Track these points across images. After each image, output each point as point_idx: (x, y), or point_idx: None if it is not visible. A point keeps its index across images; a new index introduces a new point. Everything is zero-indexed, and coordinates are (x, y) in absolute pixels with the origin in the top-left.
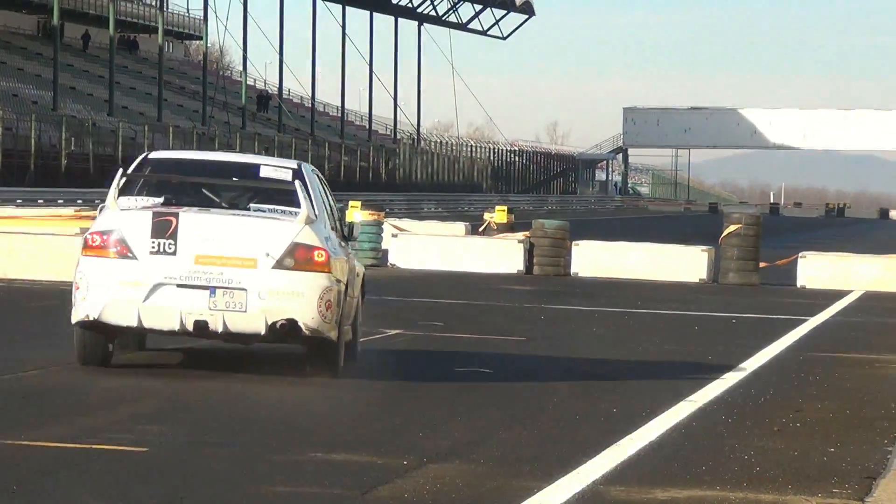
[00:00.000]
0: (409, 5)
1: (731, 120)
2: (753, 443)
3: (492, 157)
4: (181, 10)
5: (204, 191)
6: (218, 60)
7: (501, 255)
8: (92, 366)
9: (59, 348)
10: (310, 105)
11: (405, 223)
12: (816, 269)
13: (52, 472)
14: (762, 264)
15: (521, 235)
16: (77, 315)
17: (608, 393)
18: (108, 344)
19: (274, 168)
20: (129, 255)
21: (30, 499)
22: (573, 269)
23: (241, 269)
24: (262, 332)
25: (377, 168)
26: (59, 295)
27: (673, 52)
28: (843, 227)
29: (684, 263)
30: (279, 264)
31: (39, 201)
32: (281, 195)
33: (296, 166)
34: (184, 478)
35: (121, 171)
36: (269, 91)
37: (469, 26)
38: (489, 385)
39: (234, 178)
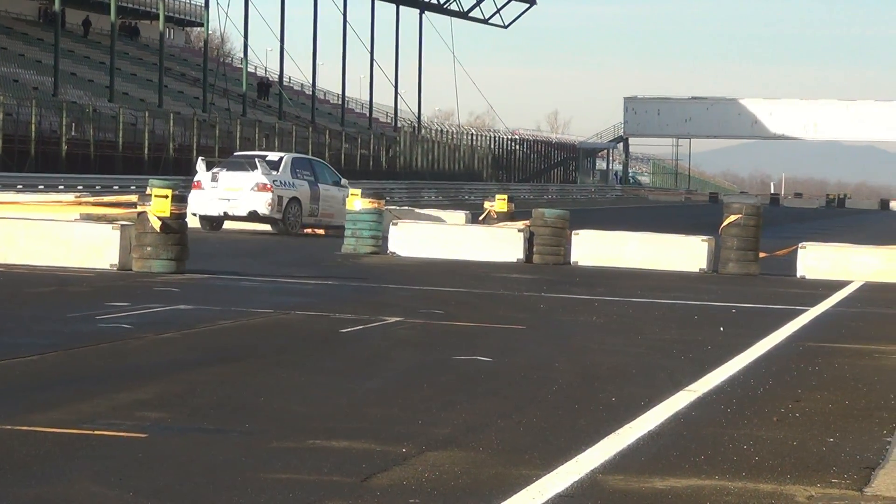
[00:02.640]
0: None
1: (732, 110)
2: (752, 432)
3: (492, 146)
4: None
5: (235, 162)
6: (219, 47)
7: (501, 243)
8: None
9: (56, 335)
10: (310, 93)
11: (405, 211)
12: (816, 260)
13: (50, 458)
14: (762, 254)
15: (521, 224)
16: (190, 211)
17: (607, 382)
18: (209, 225)
19: (274, 154)
20: (202, 187)
21: (28, 484)
22: (573, 258)
23: (239, 192)
24: (245, 215)
25: (377, 156)
26: (57, 281)
27: (674, 41)
28: (843, 218)
29: (684, 253)
30: (251, 189)
31: (40, 187)
32: (270, 165)
33: (283, 155)
34: (183, 464)
35: (202, 158)
36: (270, 78)
37: (470, 15)
38: (488, 373)
39: (248, 158)
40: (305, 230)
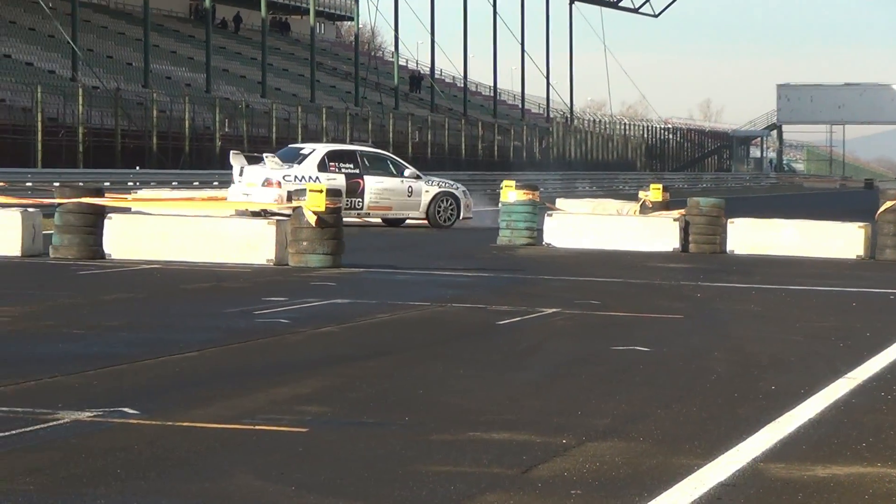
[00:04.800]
0: None
1: (886, 95)
2: None
3: (645, 135)
4: None
5: (257, 157)
6: (370, 41)
7: (657, 233)
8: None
9: (214, 331)
10: (462, 85)
11: (560, 202)
12: None
13: (211, 453)
14: None
15: (676, 213)
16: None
17: (766, 370)
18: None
19: (310, 146)
20: (234, 182)
21: (190, 480)
22: (729, 247)
23: (254, 188)
24: (258, 211)
25: (530, 147)
26: (214, 277)
27: (826, 27)
28: None
29: (840, 240)
30: (262, 185)
31: (195, 183)
32: (299, 159)
33: (315, 147)
34: (343, 458)
35: (233, 151)
36: (422, 71)
37: (620, 4)
38: (646, 363)
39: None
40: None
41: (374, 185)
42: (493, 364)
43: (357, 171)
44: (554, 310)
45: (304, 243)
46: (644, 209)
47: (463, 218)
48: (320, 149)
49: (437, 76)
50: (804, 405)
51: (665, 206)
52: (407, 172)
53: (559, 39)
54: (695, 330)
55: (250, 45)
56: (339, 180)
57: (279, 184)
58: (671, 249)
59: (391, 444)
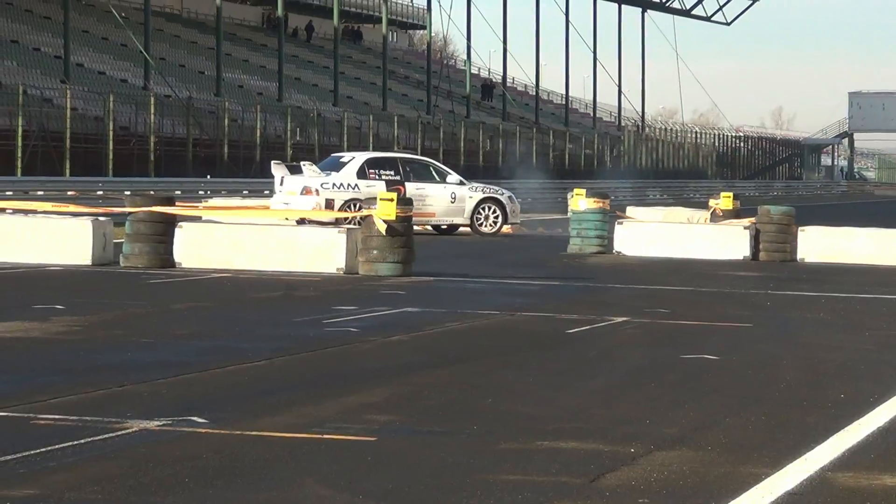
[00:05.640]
0: None
1: None
2: None
3: (716, 144)
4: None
5: (296, 166)
6: (442, 49)
7: (727, 241)
8: None
9: (284, 339)
10: (534, 93)
11: (631, 210)
12: None
13: (279, 462)
14: None
15: (746, 222)
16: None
17: (835, 378)
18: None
19: (350, 154)
20: (276, 191)
21: (257, 489)
22: (799, 255)
23: (293, 196)
24: (297, 220)
25: (602, 155)
26: (284, 285)
27: None
28: None
29: None
30: (301, 193)
31: (266, 192)
32: (338, 167)
33: (355, 155)
34: (411, 467)
35: (274, 161)
36: (494, 80)
37: (693, 12)
38: (715, 372)
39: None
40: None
41: (415, 192)
42: (561, 372)
43: (398, 178)
44: (623, 318)
45: (375, 252)
46: (714, 217)
47: (510, 224)
48: (360, 156)
49: (508, 84)
50: (873, 414)
51: (735, 214)
52: (450, 179)
53: (631, 47)
54: (764, 338)
55: (322, 54)
56: (378, 187)
57: (317, 191)
58: (741, 258)
59: (459, 452)
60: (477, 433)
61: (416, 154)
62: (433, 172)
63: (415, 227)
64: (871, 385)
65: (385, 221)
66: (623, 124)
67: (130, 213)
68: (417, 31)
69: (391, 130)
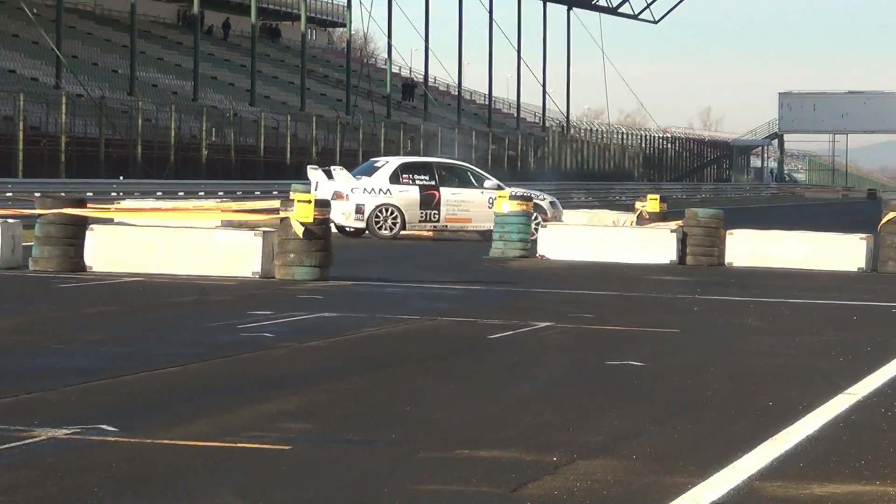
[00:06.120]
0: None
1: (891, 104)
2: None
3: (643, 145)
4: None
5: (329, 171)
6: (362, 48)
7: (653, 244)
8: None
9: (198, 345)
10: (456, 93)
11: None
12: None
13: (192, 472)
14: None
15: (673, 224)
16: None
17: (764, 386)
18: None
19: (384, 159)
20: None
21: (170, 499)
22: (728, 259)
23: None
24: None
25: (525, 157)
26: (198, 290)
27: (829, 33)
28: None
29: (842, 252)
30: (331, 198)
31: (180, 193)
32: (371, 172)
33: (389, 160)
34: (328, 476)
35: (310, 165)
36: (415, 79)
37: (619, 10)
38: (641, 378)
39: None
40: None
41: (450, 197)
42: (483, 379)
43: (433, 182)
44: (547, 324)
45: (291, 255)
46: (641, 220)
47: None
48: (394, 161)
49: (430, 84)
50: (802, 421)
51: (662, 217)
52: (487, 183)
53: (556, 47)
54: (691, 344)
55: (239, 52)
56: (412, 192)
57: (347, 196)
58: (668, 262)
59: (377, 462)
60: (395, 442)
61: (453, 159)
62: (470, 177)
63: (453, 234)
64: (801, 392)
65: (302, 224)
66: (548, 125)
67: (40, 215)
68: (337, 29)
69: (309, 131)
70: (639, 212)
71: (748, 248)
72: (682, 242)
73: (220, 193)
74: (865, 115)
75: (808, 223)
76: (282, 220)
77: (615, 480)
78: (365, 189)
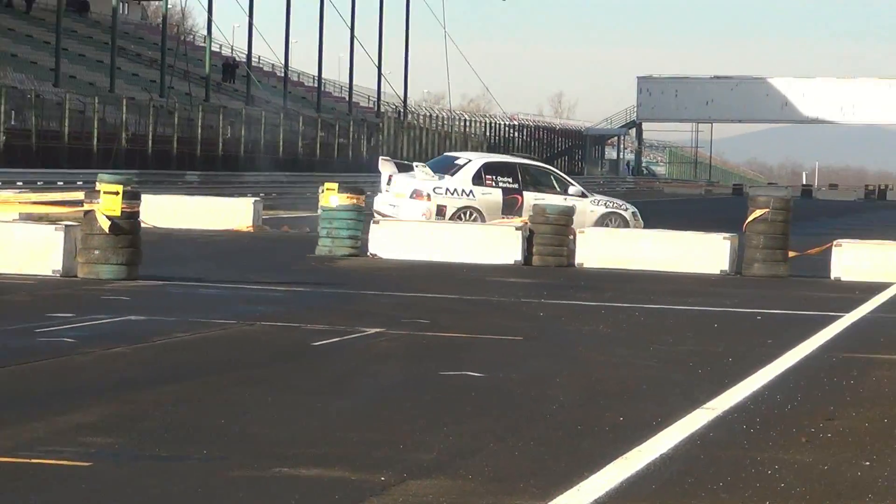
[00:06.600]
0: None
1: (759, 91)
2: (778, 455)
3: (488, 133)
4: None
5: (407, 165)
6: (179, 24)
7: (496, 243)
8: None
9: None
10: (282, 74)
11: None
12: (853, 260)
13: None
14: (791, 254)
15: (518, 222)
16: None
17: (615, 400)
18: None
19: (467, 156)
20: (382, 190)
21: None
22: (578, 260)
23: (402, 199)
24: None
25: (358, 145)
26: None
27: (694, 14)
28: (884, 212)
29: (703, 253)
30: (410, 197)
31: None
32: (452, 170)
33: (472, 158)
34: (131, 497)
35: (383, 157)
36: (237, 58)
37: None
38: (479, 390)
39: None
40: None
41: (533, 202)
42: (306, 391)
43: (516, 185)
44: (377, 329)
45: (96, 252)
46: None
47: None
48: (476, 160)
49: (254, 64)
50: (656, 439)
51: None
52: (571, 190)
53: (393, 24)
54: (535, 353)
55: (43, 28)
56: (495, 195)
57: (429, 196)
58: (512, 262)
59: (186, 481)
60: (206, 458)
61: (535, 160)
62: (553, 182)
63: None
64: (655, 407)
65: (109, 217)
66: (383, 110)
67: None
68: (152, 3)
69: (119, 115)
70: None
71: (600, 248)
72: (528, 241)
73: (18, 183)
74: (732, 102)
75: (668, 221)
76: (86, 213)
77: (449, 502)
78: (447, 190)
